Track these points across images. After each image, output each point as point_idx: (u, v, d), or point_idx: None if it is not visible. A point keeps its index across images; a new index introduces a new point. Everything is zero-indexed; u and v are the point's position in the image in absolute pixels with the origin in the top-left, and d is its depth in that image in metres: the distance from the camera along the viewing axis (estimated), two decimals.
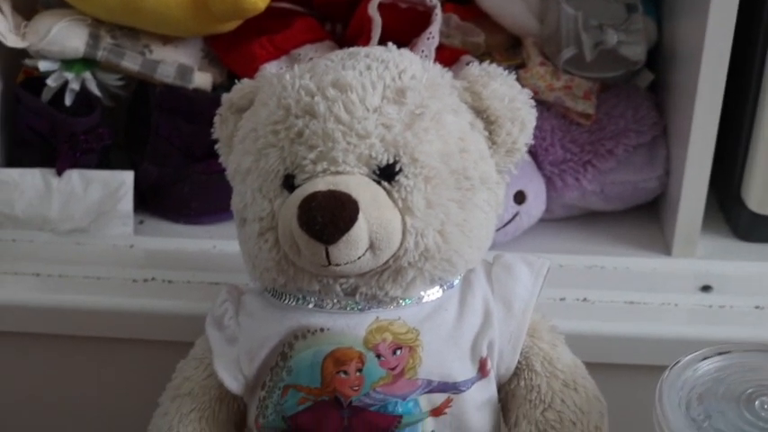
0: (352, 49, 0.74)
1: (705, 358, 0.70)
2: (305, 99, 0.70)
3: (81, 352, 0.93)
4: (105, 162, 1.01)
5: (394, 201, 0.68)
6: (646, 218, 1.01)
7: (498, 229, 0.91)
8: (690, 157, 0.91)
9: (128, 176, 0.98)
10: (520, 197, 0.94)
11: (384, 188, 0.68)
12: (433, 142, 0.69)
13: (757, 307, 0.88)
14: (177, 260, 0.95)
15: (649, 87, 1.02)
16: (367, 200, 0.66)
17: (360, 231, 0.66)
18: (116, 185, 0.98)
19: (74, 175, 0.98)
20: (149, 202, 1.02)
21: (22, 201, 0.98)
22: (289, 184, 0.69)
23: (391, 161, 0.68)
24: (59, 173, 0.98)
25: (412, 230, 0.68)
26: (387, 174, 0.68)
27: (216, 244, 0.97)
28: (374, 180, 0.68)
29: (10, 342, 0.93)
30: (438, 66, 0.75)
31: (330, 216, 0.65)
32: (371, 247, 0.67)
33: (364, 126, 0.68)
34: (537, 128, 0.75)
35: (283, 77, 0.73)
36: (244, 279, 0.78)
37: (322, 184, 0.67)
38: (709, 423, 0.65)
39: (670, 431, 0.65)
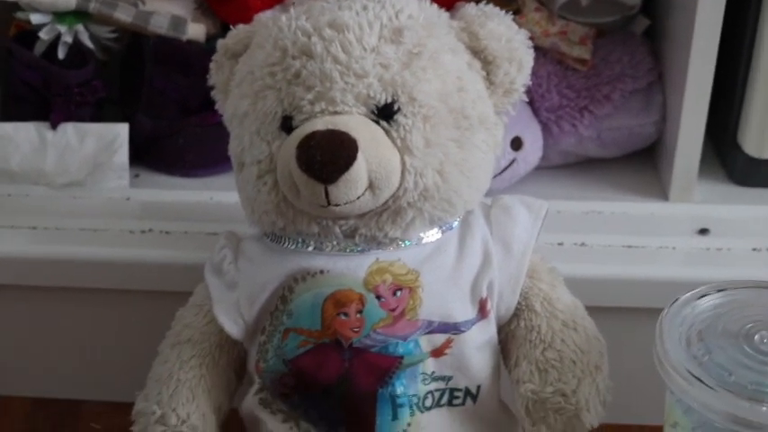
0: None
1: (703, 296, 0.70)
2: (301, 40, 0.69)
3: (80, 303, 0.93)
4: (99, 115, 1.01)
5: (393, 140, 0.68)
6: (642, 163, 1.01)
7: (495, 176, 0.91)
8: (686, 103, 0.91)
9: (123, 129, 0.98)
10: (517, 143, 0.94)
11: (383, 127, 0.68)
12: (430, 81, 0.69)
13: (754, 249, 0.89)
14: (174, 211, 0.95)
15: (645, 33, 1.02)
16: (366, 139, 0.66)
17: (359, 170, 0.65)
18: (111, 138, 0.97)
19: (68, 129, 0.98)
20: (145, 155, 1.02)
21: (17, 155, 0.98)
22: (287, 125, 0.69)
23: (389, 100, 0.68)
24: (54, 126, 0.98)
25: (411, 170, 0.68)
26: (385, 113, 0.68)
27: (212, 195, 0.97)
28: (372, 120, 0.68)
29: (8, 294, 0.93)
30: (435, 6, 0.74)
31: (329, 155, 0.65)
32: (371, 186, 0.67)
33: (362, 65, 0.68)
34: (533, 74, 0.75)
35: (279, 19, 0.72)
36: (241, 229, 0.78)
37: (320, 124, 0.67)
38: (710, 358, 0.65)
39: (672, 367, 0.65)
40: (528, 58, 0.73)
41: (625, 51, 0.98)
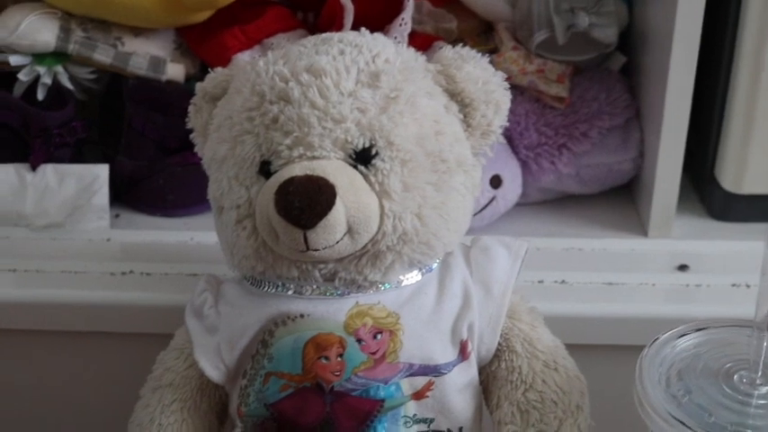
0: (325, 35, 0.74)
1: (683, 335, 0.70)
2: (279, 85, 0.69)
3: (60, 347, 0.93)
4: (79, 156, 1.01)
5: (371, 184, 0.68)
6: (621, 200, 1.01)
7: (475, 214, 0.91)
8: (663, 139, 0.92)
9: (102, 170, 0.98)
10: (496, 181, 0.94)
11: (361, 172, 0.68)
12: (408, 125, 0.69)
13: (733, 285, 0.89)
14: (154, 252, 0.95)
15: (622, 70, 1.02)
16: (344, 184, 0.66)
17: (337, 215, 0.66)
18: (91, 179, 0.98)
19: (48, 170, 0.98)
20: (125, 195, 1.02)
21: None
22: (265, 170, 0.69)
23: (367, 145, 0.68)
24: (33, 168, 0.98)
25: (390, 214, 0.68)
26: (363, 158, 0.68)
27: (193, 236, 0.97)
28: (350, 164, 0.68)
29: None
30: (411, 49, 0.75)
31: (307, 200, 0.65)
32: (350, 231, 0.67)
33: (339, 110, 0.68)
34: (511, 112, 0.76)
35: (257, 64, 0.72)
36: (222, 270, 0.78)
37: (298, 170, 0.67)
38: (689, 398, 0.65)
39: (651, 407, 0.65)
40: (505, 100, 0.74)
41: (602, 89, 0.99)
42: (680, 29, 0.87)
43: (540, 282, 0.89)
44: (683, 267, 0.91)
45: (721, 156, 0.96)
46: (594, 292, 0.89)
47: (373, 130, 0.68)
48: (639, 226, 0.97)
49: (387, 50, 0.72)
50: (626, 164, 0.98)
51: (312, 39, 0.74)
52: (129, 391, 0.79)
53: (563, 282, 0.90)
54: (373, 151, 0.68)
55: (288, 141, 0.68)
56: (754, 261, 0.67)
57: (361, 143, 0.68)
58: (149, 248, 0.96)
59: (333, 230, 0.66)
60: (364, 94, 0.69)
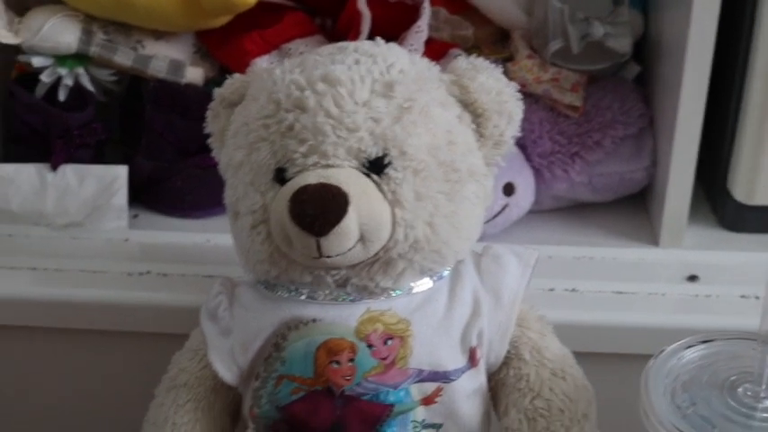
0: (340, 44, 0.75)
1: (689, 347, 0.71)
2: (295, 93, 0.70)
3: (77, 345, 0.94)
4: (100, 157, 1.02)
5: (383, 193, 0.69)
6: (633, 209, 1.02)
7: (488, 221, 0.92)
8: (676, 148, 0.92)
9: (122, 171, 0.99)
10: (509, 189, 0.95)
11: (373, 181, 0.69)
12: (421, 135, 0.70)
13: (743, 296, 0.89)
14: (172, 253, 0.96)
15: (636, 79, 1.03)
16: (357, 192, 0.67)
17: (350, 223, 0.67)
18: (110, 180, 0.99)
19: (68, 170, 0.99)
20: (144, 196, 1.03)
21: (17, 196, 0.99)
22: (280, 177, 0.70)
23: (380, 154, 0.69)
24: (54, 168, 0.99)
25: (401, 222, 0.69)
26: (376, 167, 0.69)
27: (210, 237, 0.98)
28: (364, 173, 0.69)
29: (7, 336, 0.94)
30: (426, 59, 0.76)
31: (321, 208, 0.66)
32: (362, 238, 0.68)
33: (353, 120, 0.69)
34: (525, 120, 0.76)
35: (273, 72, 0.74)
36: (237, 272, 0.79)
37: (312, 177, 0.68)
38: (694, 410, 0.66)
39: (656, 418, 0.66)
40: (518, 110, 0.75)
41: (616, 98, 0.99)
42: (694, 39, 0.88)
43: (551, 290, 0.90)
44: (692, 278, 0.92)
45: (733, 166, 0.96)
46: (604, 300, 0.89)
47: (386, 139, 0.69)
48: (651, 235, 0.98)
49: (401, 61, 0.73)
50: (639, 173, 0.99)
51: (328, 48, 0.75)
52: (144, 390, 0.80)
53: (573, 290, 0.90)
54: (386, 160, 0.69)
55: (302, 149, 0.69)
56: (765, 272, 0.68)
57: (374, 152, 0.69)
58: (167, 249, 0.97)
59: (345, 238, 0.67)
60: (378, 103, 0.70)
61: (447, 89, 0.74)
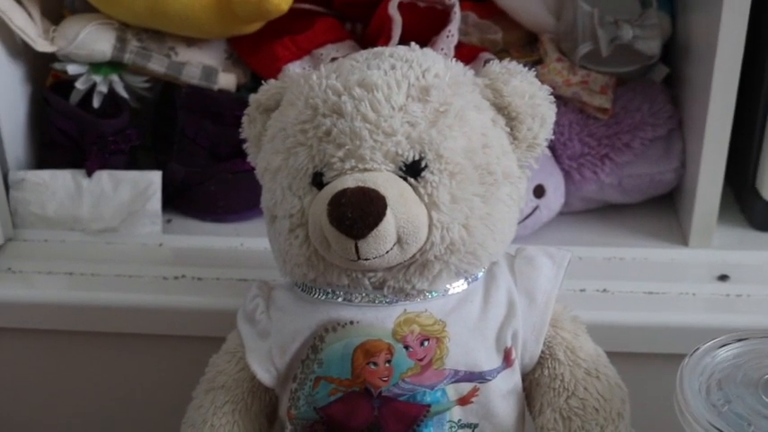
0: (376, 49, 0.76)
1: (723, 345, 0.71)
2: (332, 98, 0.71)
3: (114, 349, 0.95)
4: (133, 162, 1.04)
5: (420, 196, 0.70)
6: (663, 209, 1.02)
7: (519, 223, 0.92)
8: (705, 150, 0.93)
9: (156, 176, 1.00)
10: (539, 191, 0.96)
11: (410, 184, 0.70)
12: (456, 139, 0.71)
13: None
14: (206, 258, 0.97)
15: (665, 81, 1.04)
16: (394, 196, 0.68)
17: (388, 226, 0.68)
18: (144, 185, 1.00)
19: (103, 176, 1.00)
20: (177, 201, 1.04)
21: (53, 201, 1.01)
22: (317, 181, 0.71)
23: (417, 158, 0.70)
24: (89, 174, 1.00)
25: (438, 225, 0.70)
26: (413, 170, 0.70)
27: (243, 241, 0.99)
28: (401, 176, 0.70)
29: (44, 340, 0.96)
30: (460, 64, 0.76)
31: (359, 212, 0.67)
32: (399, 241, 0.69)
33: (390, 124, 0.70)
34: (555, 123, 0.77)
35: (310, 78, 0.75)
36: (271, 275, 0.80)
37: (350, 181, 0.69)
38: (729, 408, 0.66)
39: (691, 416, 0.66)
40: (550, 113, 0.76)
41: (645, 100, 1.00)
42: (723, 40, 0.88)
43: (583, 290, 0.91)
44: (723, 277, 0.92)
45: (762, 167, 0.97)
46: (635, 301, 0.90)
47: (423, 143, 0.70)
48: (680, 236, 0.98)
49: (436, 65, 0.74)
50: (668, 174, 0.99)
51: (364, 53, 0.76)
52: (182, 393, 0.81)
53: (605, 290, 0.91)
54: (423, 164, 0.70)
55: (340, 154, 0.70)
56: None
57: (411, 156, 0.70)
58: (201, 253, 0.98)
59: (383, 240, 0.68)
60: (414, 108, 0.71)
61: (481, 93, 0.74)
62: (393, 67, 0.72)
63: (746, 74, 0.91)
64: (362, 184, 0.68)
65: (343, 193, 0.68)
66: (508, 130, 0.75)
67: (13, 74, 1.02)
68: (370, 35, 1.02)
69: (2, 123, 0.99)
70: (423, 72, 0.72)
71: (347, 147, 0.70)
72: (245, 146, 0.81)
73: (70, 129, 1.02)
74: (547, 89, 0.76)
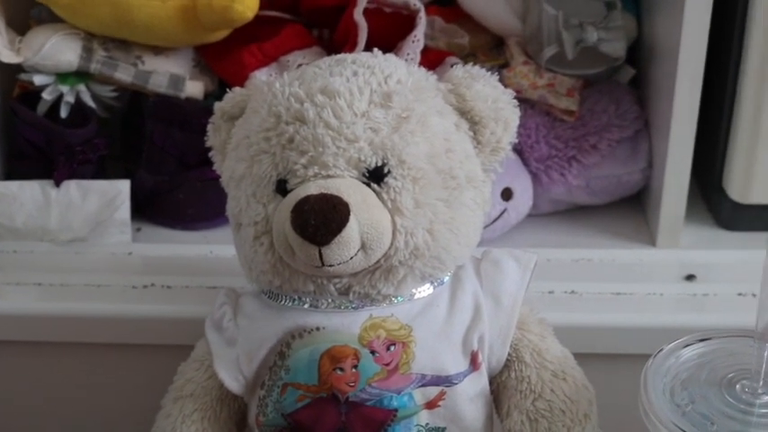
0: (339, 56, 0.76)
1: (687, 345, 0.72)
2: (295, 106, 0.72)
3: (84, 359, 0.95)
4: (102, 172, 1.03)
5: (383, 202, 0.70)
6: (630, 210, 1.03)
7: (486, 226, 0.93)
8: (671, 149, 0.93)
9: (124, 185, 1.00)
10: (507, 194, 0.96)
11: (373, 190, 0.70)
12: (419, 144, 0.71)
13: (740, 294, 0.91)
14: (175, 266, 0.97)
15: (631, 82, 1.04)
16: (357, 201, 0.69)
17: (351, 232, 0.68)
18: (113, 194, 1.00)
19: (71, 186, 1.00)
20: (146, 209, 1.04)
21: (21, 212, 1.00)
22: (281, 188, 0.72)
23: (380, 163, 0.70)
24: (57, 184, 1.00)
25: (402, 230, 0.70)
26: (376, 176, 0.70)
27: (212, 249, 0.99)
28: (364, 182, 0.70)
29: (13, 351, 0.95)
30: (422, 69, 0.77)
31: (322, 218, 0.67)
32: (363, 247, 0.69)
33: (353, 130, 0.70)
34: (522, 125, 0.78)
35: (273, 85, 0.75)
36: (241, 282, 0.80)
37: (314, 188, 0.69)
38: (693, 407, 0.67)
39: (656, 417, 0.67)
40: (514, 117, 0.76)
41: (611, 101, 1.01)
42: (686, 41, 0.89)
43: (551, 292, 0.91)
44: (690, 277, 0.93)
45: (728, 166, 0.97)
46: (603, 302, 0.90)
47: (386, 149, 0.70)
48: (648, 236, 0.99)
49: (399, 71, 0.74)
50: (635, 175, 1.00)
51: (326, 60, 0.76)
52: (151, 402, 0.81)
53: (573, 292, 0.91)
54: (386, 169, 0.70)
55: (303, 161, 0.70)
56: (761, 270, 0.69)
57: (373, 162, 0.70)
58: (170, 262, 0.98)
59: (347, 247, 0.68)
60: (377, 114, 0.71)
61: (444, 98, 0.75)
62: (355, 74, 0.73)
63: (711, 74, 0.91)
64: (325, 191, 0.68)
65: (306, 199, 0.68)
66: (471, 134, 0.75)
67: None
68: (336, 41, 1.02)
69: None
70: (385, 78, 0.73)
71: (310, 153, 0.70)
72: (210, 154, 0.81)
73: (38, 139, 1.01)
74: (510, 93, 0.76)
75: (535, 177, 0.99)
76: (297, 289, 0.73)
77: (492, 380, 0.77)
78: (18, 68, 1.01)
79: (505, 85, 0.77)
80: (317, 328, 0.73)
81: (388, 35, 0.97)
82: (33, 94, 1.01)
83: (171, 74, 1.01)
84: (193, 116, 1.00)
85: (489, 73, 0.77)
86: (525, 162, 0.99)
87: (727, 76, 0.95)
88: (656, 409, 0.67)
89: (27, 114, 1.01)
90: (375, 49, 0.77)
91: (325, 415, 0.73)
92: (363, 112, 0.71)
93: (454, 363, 0.73)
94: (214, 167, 0.81)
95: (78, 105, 1.01)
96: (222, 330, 0.77)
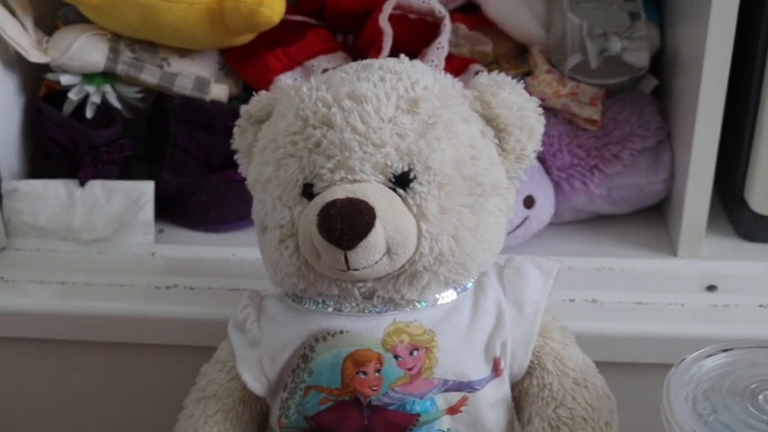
0: (366, 62, 0.77)
1: (710, 355, 0.72)
2: (322, 110, 0.72)
3: (106, 358, 0.96)
4: (126, 173, 1.04)
5: (409, 207, 0.70)
6: (652, 220, 1.03)
7: (509, 234, 0.93)
8: (693, 160, 0.93)
9: (148, 186, 1.01)
10: (529, 202, 0.96)
11: (399, 195, 0.71)
12: (445, 150, 0.72)
13: (761, 305, 0.90)
14: (198, 267, 0.98)
15: (653, 92, 1.04)
16: (383, 206, 0.69)
17: (377, 237, 0.68)
18: (137, 195, 1.00)
19: (96, 186, 1.01)
20: (169, 211, 1.05)
21: (46, 211, 1.01)
22: (308, 192, 0.72)
23: (406, 169, 0.71)
24: (82, 184, 1.01)
25: (427, 235, 0.70)
26: (402, 181, 0.71)
27: (235, 251, 0.99)
28: (390, 187, 0.71)
29: (36, 348, 0.96)
30: (449, 76, 0.77)
31: (349, 222, 0.68)
32: (388, 251, 0.69)
33: (379, 136, 0.71)
34: (545, 134, 0.78)
35: (300, 89, 0.75)
36: (262, 285, 0.81)
37: (340, 192, 0.69)
38: (715, 417, 0.67)
39: (678, 426, 0.67)
40: (539, 125, 0.76)
41: (634, 111, 1.01)
42: (710, 52, 0.89)
43: (572, 300, 0.91)
44: (711, 288, 0.93)
45: (750, 177, 0.97)
46: (624, 311, 0.90)
47: (412, 154, 0.71)
48: (669, 246, 0.99)
49: (425, 77, 0.74)
50: (657, 185, 1.00)
51: (354, 65, 0.77)
52: (173, 402, 0.81)
53: (594, 301, 0.92)
54: (412, 175, 0.71)
55: (330, 165, 0.71)
56: None
57: (400, 167, 0.71)
58: (193, 263, 0.99)
59: (372, 251, 0.69)
60: (403, 119, 0.71)
61: (470, 105, 0.75)
62: (382, 79, 0.73)
63: (734, 85, 0.91)
64: (352, 195, 0.69)
65: (333, 203, 0.68)
66: (497, 141, 0.75)
67: (7, 84, 1.02)
68: (361, 47, 1.02)
69: None
70: (412, 84, 0.73)
71: (337, 158, 0.71)
72: (235, 156, 0.82)
73: (63, 139, 1.02)
74: (535, 101, 0.77)
75: (557, 186, 0.99)
76: (321, 292, 0.74)
77: (513, 386, 0.77)
78: (45, 68, 1.02)
79: (529, 94, 0.77)
80: (341, 332, 0.74)
81: (413, 41, 0.97)
82: (60, 93, 1.02)
83: (196, 76, 1.02)
84: (218, 119, 1.01)
85: (514, 81, 0.77)
86: (547, 170, 0.99)
87: (751, 87, 0.95)
88: (678, 417, 0.67)
89: (53, 114, 1.02)
90: (402, 55, 0.78)
91: (347, 418, 0.73)
92: (390, 118, 0.71)
93: (476, 369, 0.74)
94: (239, 170, 0.82)
95: (104, 106, 1.02)
96: (245, 332, 0.78)
